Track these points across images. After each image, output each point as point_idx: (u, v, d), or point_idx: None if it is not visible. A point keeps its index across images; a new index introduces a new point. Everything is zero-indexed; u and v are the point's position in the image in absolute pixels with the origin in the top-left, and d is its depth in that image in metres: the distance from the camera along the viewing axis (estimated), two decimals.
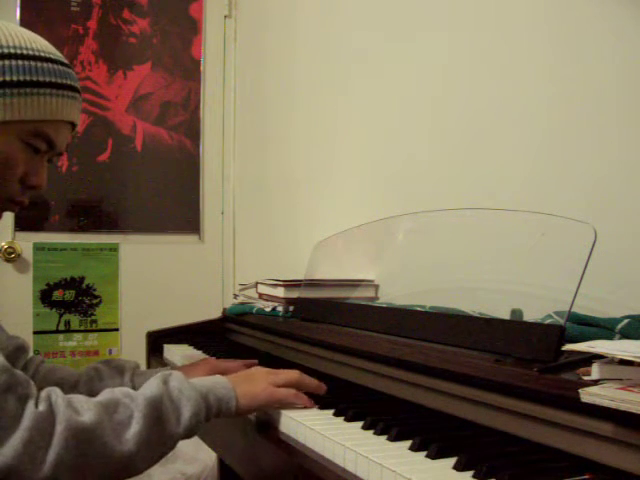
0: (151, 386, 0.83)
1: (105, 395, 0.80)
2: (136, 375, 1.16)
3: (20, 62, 0.89)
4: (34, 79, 0.90)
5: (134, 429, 0.77)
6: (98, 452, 0.74)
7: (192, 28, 2.68)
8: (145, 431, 0.78)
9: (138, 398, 0.80)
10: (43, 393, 0.75)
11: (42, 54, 0.93)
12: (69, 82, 0.95)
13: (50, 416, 0.73)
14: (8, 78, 0.88)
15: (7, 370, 0.73)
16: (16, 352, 1.12)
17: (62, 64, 0.95)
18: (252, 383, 0.93)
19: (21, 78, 0.89)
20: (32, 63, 0.90)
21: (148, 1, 2.60)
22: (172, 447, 0.83)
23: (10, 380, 0.72)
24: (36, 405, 0.73)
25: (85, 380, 1.13)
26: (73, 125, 0.99)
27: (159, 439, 0.80)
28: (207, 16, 2.70)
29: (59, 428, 0.72)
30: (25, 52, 0.90)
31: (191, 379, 0.89)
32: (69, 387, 1.12)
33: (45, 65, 0.92)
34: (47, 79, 0.92)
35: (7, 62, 0.88)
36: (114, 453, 0.75)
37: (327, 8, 2.00)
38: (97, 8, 2.52)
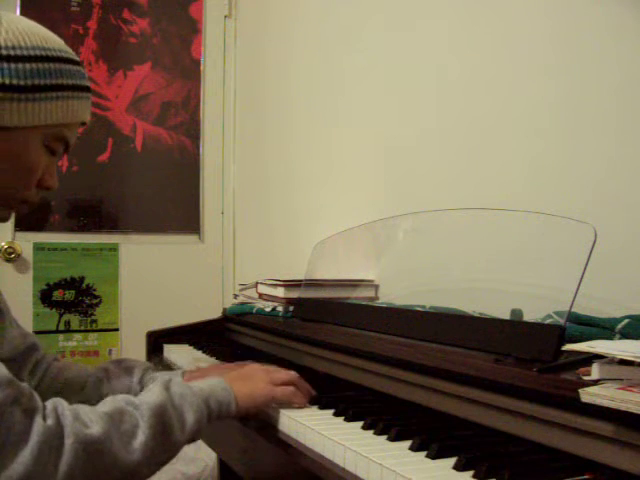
0: (153, 393, 0.83)
1: (109, 404, 0.79)
2: (146, 377, 1.14)
3: (46, 65, 0.87)
4: (59, 83, 0.89)
5: (140, 439, 0.77)
6: (107, 463, 0.74)
7: (192, 28, 2.68)
8: (151, 440, 0.77)
9: (142, 406, 0.79)
10: (49, 405, 0.74)
11: (63, 55, 0.91)
12: (86, 83, 0.95)
13: (59, 430, 0.72)
14: (37, 82, 0.86)
15: (11, 383, 0.72)
16: (28, 351, 1.11)
17: (78, 64, 0.94)
18: (250, 383, 0.93)
19: (48, 82, 0.87)
20: (56, 66, 0.89)
21: (148, 1, 2.60)
22: (176, 453, 0.82)
23: (15, 393, 0.71)
24: (44, 419, 0.72)
25: (93, 381, 1.12)
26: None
27: (164, 447, 0.80)
28: (207, 16, 2.70)
29: (68, 442, 0.71)
30: (49, 54, 0.88)
31: (190, 383, 0.88)
32: (78, 388, 1.11)
33: (66, 67, 0.90)
34: (70, 82, 0.90)
35: (34, 65, 0.86)
36: (122, 463, 0.75)
37: (327, 8, 2.00)
38: (97, 8, 2.52)
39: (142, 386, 1.10)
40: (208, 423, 0.86)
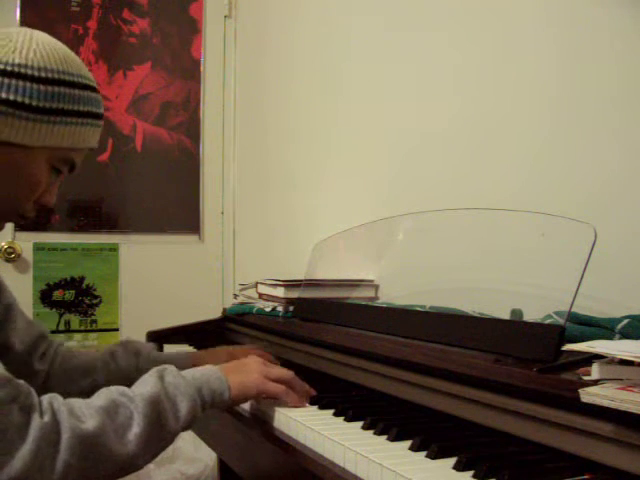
0: (148, 383, 0.84)
1: (104, 397, 0.81)
2: (151, 357, 1.18)
3: (63, 89, 0.90)
4: (74, 109, 0.91)
5: (135, 430, 0.78)
6: (103, 456, 0.75)
7: (192, 28, 2.68)
8: (145, 431, 0.79)
9: (136, 398, 0.81)
10: (45, 402, 0.76)
11: (82, 81, 0.93)
12: (100, 111, 0.97)
13: (55, 426, 0.73)
14: (52, 105, 0.89)
15: (10, 381, 0.74)
16: (36, 340, 1.14)
17: (96, 90, 0.96)
18: (244, 373, 0.94)
19: (63, 107, 0.90)
20: (74, 92, 0.91)
21: (148, 1, 2.60)
22: (170, 443, 0.84)
23: (13, 391, 0.73)
24: (40, 415, 0.73)
25: (101, 366, 1.15)
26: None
27: (158, 437, 0.81)
28: (207, 16, 2.70)
29: (64, 437, 0.73)
30: (68, 79, 0.91)
31: (184, 371, 0.89)
32: (87, 372, 1.15)
33: (84, 94, 0.93)
34: (85, 109, 0.93)
35: (51, 88, 0.88)
36: (117, 455, 0.76)
37: (327, 7, 2.00)
38: (97, 8, 2.52)
39: (147, 367, 1.12)
40: (202, 412, 0.87)
